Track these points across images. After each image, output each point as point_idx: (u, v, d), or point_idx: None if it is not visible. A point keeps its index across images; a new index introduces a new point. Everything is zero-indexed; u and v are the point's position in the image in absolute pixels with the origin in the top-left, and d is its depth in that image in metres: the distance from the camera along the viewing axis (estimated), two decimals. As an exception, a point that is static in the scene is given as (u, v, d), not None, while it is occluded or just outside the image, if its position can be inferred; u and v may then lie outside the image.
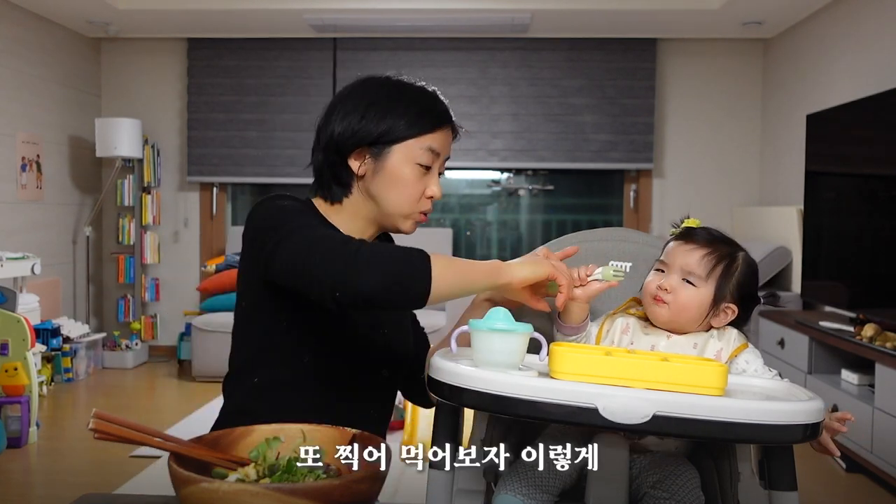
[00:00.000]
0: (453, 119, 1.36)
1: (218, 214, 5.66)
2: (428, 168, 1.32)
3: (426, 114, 1.32)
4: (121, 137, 5.07)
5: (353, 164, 1.32)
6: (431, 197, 1.33)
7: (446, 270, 1.11)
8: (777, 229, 4.63)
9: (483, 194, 5.78)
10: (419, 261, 1.10)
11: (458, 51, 5.39)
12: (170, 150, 5.59)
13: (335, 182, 1.35)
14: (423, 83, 1.38)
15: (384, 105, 1.30)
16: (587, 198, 5.79)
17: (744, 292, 1.30)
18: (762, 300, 1.33)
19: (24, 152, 4.74)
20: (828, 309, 4.02)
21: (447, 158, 1.36)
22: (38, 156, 4.88)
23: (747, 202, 5.38)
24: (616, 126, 5.32)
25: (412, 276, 1.09)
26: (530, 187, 5.72)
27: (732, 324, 1.31)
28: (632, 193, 5.50)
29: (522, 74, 5.38)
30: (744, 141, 5.39)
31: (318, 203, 1.38)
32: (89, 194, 5.52)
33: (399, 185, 1.31)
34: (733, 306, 1.29)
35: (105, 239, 5.62)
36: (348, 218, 1.36)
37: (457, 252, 5.73)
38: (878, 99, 3.40)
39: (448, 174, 5.77)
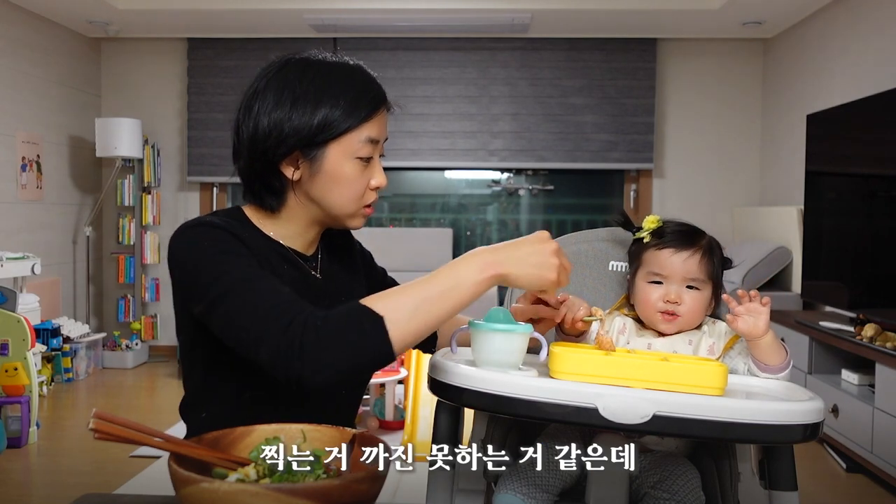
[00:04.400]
0: (386, 96, 1.22)
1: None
2: (369, 159, 1.19)
3: (360, 100, 1.16)
4: (121, 137, 5.07)
5: (287, 171, 1.17)
6: (377, 188, 1.22)
7: (406, 325, 1.00)
8: (777, 229, 4.63)
9: (483, 194, 5.78)
10: (372, 329, 0.98)
11: (458, 51, 5.39)
12: (170, 150, 5.59)
13: (267, 191, 1.20)
14: (347, 59, 1.22)
15: (313, 97, 1.15)
16: (587, 198, 5.79)
17: (722, 274, 1.33)
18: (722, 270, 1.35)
19: (24, 152, 4.74)
20: (828, 309, 4.02)
21: (386, 139, 1.24)
22: (38, 156, 4.88)
23: (747, 202, 5.38)
24: (616, 126, 5.32)
25: (368, 350, 0.99)
26: (530, 187, 5.72)
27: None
28: (632, 193, 5.50)
29: (522, 74, 5.38)
30: (744, 141, 5.39)
31: (251, 212, 1.24)
32: (89, 194, 5.52)
33: (341, 185, 1.18)
34: (722, 291, 1.31)
35: (105, 239, 5.62)
36: (287, 223, 1.24)
37: (457, 251, 5.73)
38: (878, 99, 3.40)
39: (448, 174, 5.80)
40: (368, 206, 1.23)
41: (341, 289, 1.32)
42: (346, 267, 1.38)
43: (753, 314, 1.16)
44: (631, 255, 1.36)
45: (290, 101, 1.14)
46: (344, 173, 1.17)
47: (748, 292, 1.17)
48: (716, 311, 1.36)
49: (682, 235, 1.31)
